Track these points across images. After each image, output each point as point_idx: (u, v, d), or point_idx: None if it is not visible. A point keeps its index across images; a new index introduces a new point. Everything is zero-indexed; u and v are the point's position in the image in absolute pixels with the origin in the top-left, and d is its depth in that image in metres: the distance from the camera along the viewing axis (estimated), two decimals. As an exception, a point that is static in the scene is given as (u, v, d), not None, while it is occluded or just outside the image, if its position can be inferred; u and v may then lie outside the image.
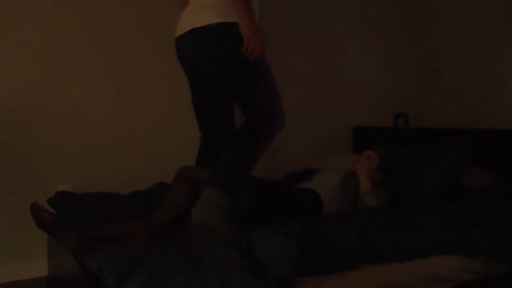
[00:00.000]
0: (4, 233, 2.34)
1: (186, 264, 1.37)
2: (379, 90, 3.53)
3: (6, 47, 2.33)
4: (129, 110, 2.65)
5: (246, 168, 1.81)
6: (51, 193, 2.35)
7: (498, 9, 3.02)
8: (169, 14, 2.61)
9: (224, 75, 1.84)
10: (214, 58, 1.80)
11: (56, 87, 2.45)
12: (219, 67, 1.82)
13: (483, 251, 1.74)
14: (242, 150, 1.79)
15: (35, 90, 2.40)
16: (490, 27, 3.06)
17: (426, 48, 3.50)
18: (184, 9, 1.96)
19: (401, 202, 2.32)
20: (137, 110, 2.67)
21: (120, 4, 2.60)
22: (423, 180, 2.48)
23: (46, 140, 2.43)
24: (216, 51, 1.79)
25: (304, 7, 3.19)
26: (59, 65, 2.46)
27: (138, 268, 1.37)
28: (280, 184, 2.55)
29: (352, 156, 2.87)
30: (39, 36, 2.40)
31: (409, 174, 2.55)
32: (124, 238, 1.71)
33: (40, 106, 2.42)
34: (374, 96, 3.50)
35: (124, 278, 1.35)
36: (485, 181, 2.52)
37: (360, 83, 3.44)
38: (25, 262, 2.37)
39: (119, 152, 2.63)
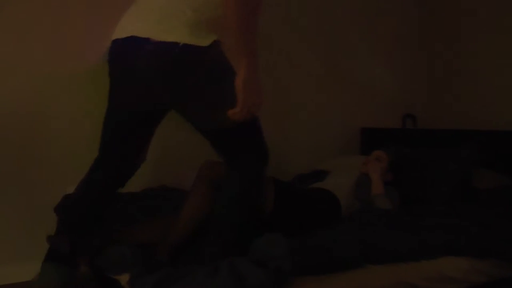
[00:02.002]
0: (12, 233, 2.36)
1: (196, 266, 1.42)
2: (387, 91, 3.51)
3: (9, 49, 2.34)
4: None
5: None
6: (59, 194, 2.36)
7: (506, 7, 3.01)
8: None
9: (196, 109, 1.45)
10: (181, 89, 1.40)
11: (63, 89, 2.46)
12: (188, 100, 1.43)
13: (493, 253, 1.73)
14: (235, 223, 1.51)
15: (42, 93, 2.41)
16: (499, 26, 3.04)
17: (435, 48, 3.49)
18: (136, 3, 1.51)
19: (410, 204, 2.33)
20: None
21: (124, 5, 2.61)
22: (433, 181, 2.47)
23: (54, 142, 2.44)
24: (185, 82, 1.38)
25: (312, 7, 3.19)
26: (66, 67, 2.46)
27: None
28: (296, 185, 2.54)
29: (360, 157, 2.87)
30: (46, 38, 2.41)
31: (419, 176, 2.54)
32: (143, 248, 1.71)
33: (46, 108, 2.43)
34: (382, 97, 3.49)
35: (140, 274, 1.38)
36: (495, 182, 2.50)
37: (367, 84, 3.43)
38: (33, 262, 2.38)
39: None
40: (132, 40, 1.42)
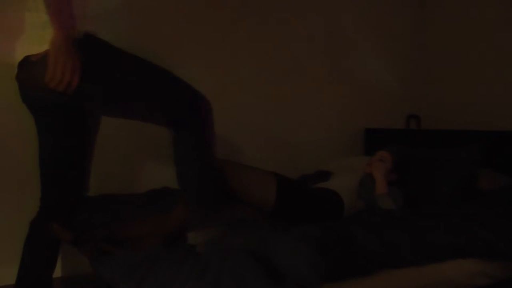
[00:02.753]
0: (17, 233, 2.35)
1: (197, 271, 1.34)
2: (391, 92, 3.50)
3: (10, 48, 2.33)
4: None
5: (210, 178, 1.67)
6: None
7: (507, 6, 2.98)
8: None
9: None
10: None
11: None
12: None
13: (500, 255, 1.71)
14: (196, 173, 1.64)
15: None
16: (505, 25, 3.02)
17: (439, 48, 3.47)
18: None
19: (415, 205, 2.31)
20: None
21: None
22: (436, 182, 2.46)
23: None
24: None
25: (315, 8, 3.18)
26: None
27: (149, 275, 1.36)
28: (300, 183, 2.53)
29: (364, 158, 2.86)
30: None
31: (423, 176, 2.53)
32: (138, 240, 1.71)
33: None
34: (386, 98, 3.48)
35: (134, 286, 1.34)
36: (500, 183, 2.49)
37: (371, 85, 3.42)
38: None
39: (129, 153, 2.64)
40: (20, 69, 1.53)
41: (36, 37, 1.47)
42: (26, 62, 1.49)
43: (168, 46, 2.70)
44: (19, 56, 1.53)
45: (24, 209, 2.35)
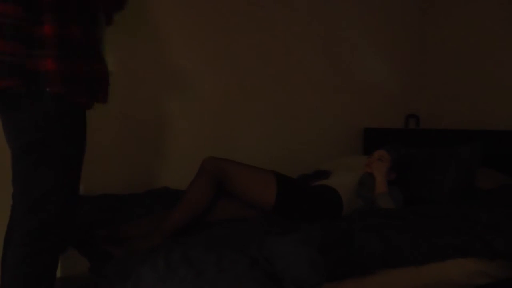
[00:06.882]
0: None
1: (192, 274, 1.29)
2: (390, 91, 3.51)
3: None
4: (140, 111, 2.65)
5: None
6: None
7: (506, 6, 2.99)
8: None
9: None
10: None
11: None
12: None
13: (501, 254, 1.71)
14: None
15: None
16: (504, 26, 3.03)
17: (438, 48, 3.47)
18: None
19: (414, 204, 2.31)
20: (148, 111, 2.68)
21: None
22: (435, 181, 2.46)
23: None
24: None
25: (314, 8, 3.18)
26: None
27: (143, 277, 1.34)
28: (300, 181, 2.53)
29: (362, 157, 2.86)
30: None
31: (421, 175, 2.53)
32: (138, 240, 1.71)
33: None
34: (385, 97, 3.49)
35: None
36: (497, 182, 2.50)
37: (370, 84, 3.42)
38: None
39: (129, 153, 2.64)
40: None
41: None
42: None
43: (166, 48, 2.70)
44: None
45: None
